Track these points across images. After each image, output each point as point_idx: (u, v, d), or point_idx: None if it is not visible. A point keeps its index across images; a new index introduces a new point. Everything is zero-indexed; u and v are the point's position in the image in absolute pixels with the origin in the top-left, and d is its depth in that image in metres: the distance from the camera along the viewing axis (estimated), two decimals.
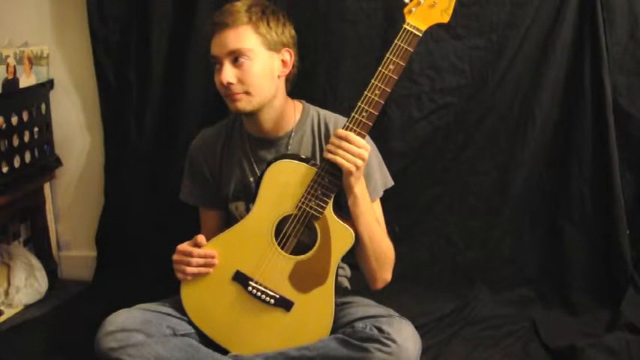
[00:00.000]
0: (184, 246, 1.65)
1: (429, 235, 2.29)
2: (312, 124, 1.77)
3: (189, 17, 2.25)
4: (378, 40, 2.17)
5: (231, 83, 1.63)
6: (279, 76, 1.70)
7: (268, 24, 1.66)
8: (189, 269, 1.63)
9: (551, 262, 2.24)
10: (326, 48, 2.20)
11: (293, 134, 1.76)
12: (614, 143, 2.11)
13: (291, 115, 1.77)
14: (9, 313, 2.28)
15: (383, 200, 1.79)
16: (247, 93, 1.65)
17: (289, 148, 1.75)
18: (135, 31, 2.33)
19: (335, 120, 1.78)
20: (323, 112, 1.81)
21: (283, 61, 1.70)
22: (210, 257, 1.63)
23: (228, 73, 1.63)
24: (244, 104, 1.66)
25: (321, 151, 1.73)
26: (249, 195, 1.77)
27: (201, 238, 1.64)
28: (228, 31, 1.63)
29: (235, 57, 1.63)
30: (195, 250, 1.63)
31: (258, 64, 1.64)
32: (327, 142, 1.72)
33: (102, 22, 2.34)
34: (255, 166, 1.77)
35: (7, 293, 2.33)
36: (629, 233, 2.15)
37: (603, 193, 2.15)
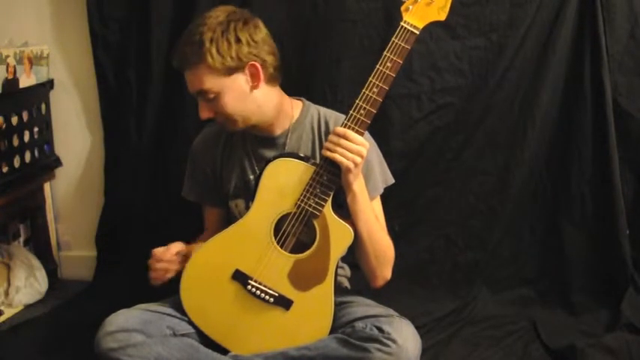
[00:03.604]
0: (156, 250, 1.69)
1: (429, 235, 2.28)
2: (311, 122, 1.77)
3: (189, 17, 2.24)
4: (378, 40, 2.17)
5: (210, 117, 1.67)
6: (253, 89, 1.66)
7: (219, 52, 1.59)
8: (152, 273, 1.67)
9: (551, 262, 2.24)
10: (326, 48, 2.20)
11: (290, 133, 1.76)
12: (614, 143, 2.10)
13: (289, 113, 1.76)
14: (9, 313, 2.28)
15: (383, 199, 1.79)
16: (228, 119, 1.67)
17: (287, 145, 1.75)
18: (135, 31, 2.33)
19: (335, 118, 1.78)
20: (324, 110, 1.81)
21: (252, 75, 1.65)
22: (165, 260, 1.65)
23: (203, 111, 1.66)
24: (231, 127, 1.70)
25: (321, 148, 1.73)
26: (249, 193, 1.77)
27: (174, 245, 1.67)
28: (186, 73, 1.64)
29: (203, 95, 1.64)
30: (157, 254, 1.67)
31: (226, 95, 1.63)
32: (327, 139, 1.72)
33: (102, 22, 2.35)
34: (255, 163, 1.78)
35: (7, 293, 2.33)
36: (629, 233, 2.14)
37: (603, 193, 2.15)
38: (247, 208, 1.77)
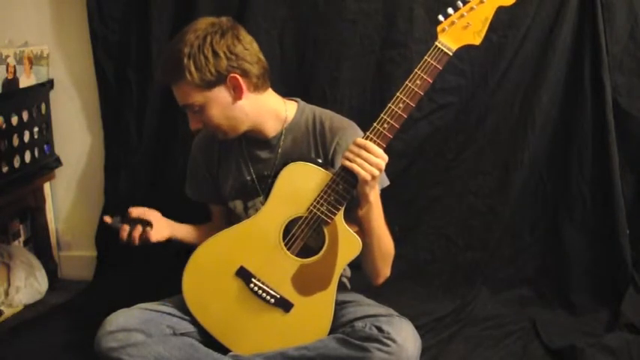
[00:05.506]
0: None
1: (429, 235, 2.29)
2: (306, 123, 1.76)
3: (189, 17, 2.24)
4: (378, 40, 2.17)
5: (200, 128, 1.69)
6: (237, 100, 1.65)
7: (197, 68, 1.58)
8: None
9: (551, 262, 2.24)
10: (326, 48, 2.20)
11: (284, 134, 1.75)
12: (614, 143, 2.10)
13: (281, 115, 1.75)
14: (9, 313, 2.28)
15: (383, 200, 1.79)
16: (217, 129, 1.68)
17: (281, 147, 1.75)
18: (135, 31, 2.33)
19: (331, 118, 1.77)
20: (320, 110, 1.80)
21: (234, 87, 1.64)
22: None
23: (192, 122, 1.68)
24: (222, 136, 1.71)
25: (316, 149, 1.73)
26: (246, 193, 1.78)
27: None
28: (172, 87, 1.65)
29: (190, 108, 1.65)
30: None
31: (211, 108, 1.64)
32: (322, 139, 1.72)
33: (102, 22, 2.34)
34: (250, 164, 1.77)
35: (7, 293, 2.33)
36: (629, 233, 2.14)
37: (603, 193, 2.15)
38: (246, 208, 1.78)
